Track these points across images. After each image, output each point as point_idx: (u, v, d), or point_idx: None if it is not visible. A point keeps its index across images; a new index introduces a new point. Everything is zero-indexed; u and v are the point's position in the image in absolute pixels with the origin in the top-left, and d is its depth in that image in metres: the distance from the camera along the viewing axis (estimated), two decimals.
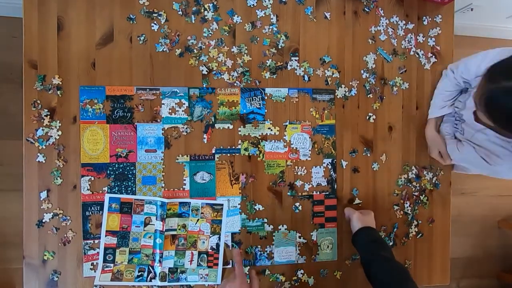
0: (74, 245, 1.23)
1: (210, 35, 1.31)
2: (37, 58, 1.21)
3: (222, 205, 1.30)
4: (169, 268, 1.26)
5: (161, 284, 1.25)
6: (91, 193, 1.24)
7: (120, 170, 1.25)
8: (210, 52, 1.31)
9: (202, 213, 1.28)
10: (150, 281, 1.24)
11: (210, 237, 1.28)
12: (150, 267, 1.25)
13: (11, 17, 1.99)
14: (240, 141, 1.33)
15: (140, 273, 1.24)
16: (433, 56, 1.47)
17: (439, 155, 1.42)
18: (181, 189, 1.29)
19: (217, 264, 1.28)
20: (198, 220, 1.28)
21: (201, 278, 1.27)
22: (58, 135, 1.22)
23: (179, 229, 1.27)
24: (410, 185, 1.46)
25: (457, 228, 2.56)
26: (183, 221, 1.27)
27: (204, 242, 1.28)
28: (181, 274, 1.26)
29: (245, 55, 1.33)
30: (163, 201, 1.26)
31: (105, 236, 1.23)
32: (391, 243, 1.44)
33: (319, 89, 1.38)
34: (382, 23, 1.43)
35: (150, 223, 1.25)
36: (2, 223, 2.04)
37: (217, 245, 1.29)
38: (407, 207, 1.45)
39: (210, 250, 1.28)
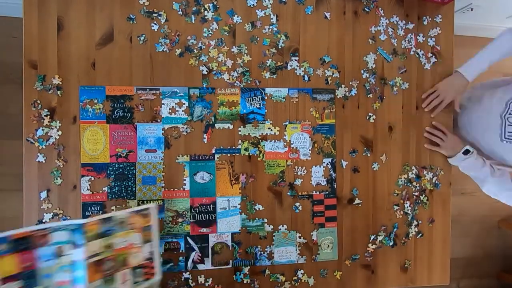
0: None
1: (210, 35, 1.31)
2: (37, 58, 1.21)
3: (148, 208, 1.13)
4: None
5: None
6: (91, 193, 1.24)
7: (120, 170, 1.25)
8: (210, 52, 1.31)
9: (130, 223, 1.10)
10: None
11: (142, 247, 1.11)
12: None
13: (11, 17, 1.99)
14: (240, 141, 1.33)
15: None
16: (433, 56, 1.47)
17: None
18: (181, 189, 1.29)
19: (153, 274, 1.12)
20: (126, 232, 1.09)
21: None
22: (58, 135, 1.22)
23: (104, 252, 1.04)
24: (410, 185, 1.46)
25: (457, 228, 2.56)
26: (107, 241, 1.05)
27: (136, 256, 1.10)
28: None
29: (245, 55, 1.33)
30: (78, 223, 1.02)
31: (2, 285, 0.96)
32: (391, 243, 1.44)
33: (319, 89, 1.38)
34: (382, 23, 1.43)
35: (64, 254, 1.01)
36: (2, 223, 2.04)
37: (151, 253, 1.13)
38: (407, 207, 1.45)
39: (145, 261, 1.12)
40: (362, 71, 1.41)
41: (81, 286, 1.00)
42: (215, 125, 1.31)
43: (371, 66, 1.42)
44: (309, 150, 1.37)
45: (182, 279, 1.29)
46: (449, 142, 1.42)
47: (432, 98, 1.42)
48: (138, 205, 1.26)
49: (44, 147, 1.21)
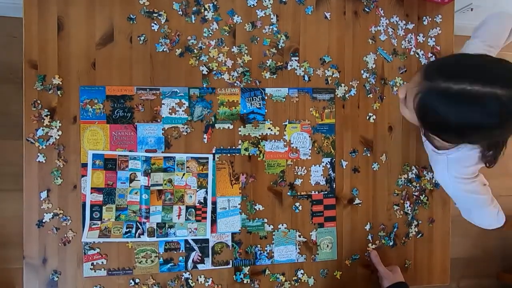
0: (74, 245, 1.23)
1: (210, 35, 1.31)
2: (37, 58, 1.21)
3: (207, 158, 1.29)
4: (157, 223, 1.26)
5: (150, 240, 1.25)
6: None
7: None
8: (210, 52, 1.31)
9: (187, 167, 1.27)
10: (139, 237, 1.24)
11: (197, 191, 1.28)
12: (138, 223, 1.25)
13: (11, 17, 1.99)
14: (240, 141, 1.33)
15: (128, 230, 1.24)
16: (433, 56, 1.47)
17: None
18: None
19: (205, 218, 1.28)
20: (184, 174, 1.27)
21: (190, 232, 1.27)
22: (58, 135, 1.22)
23: (165, 184, 1.26)
24: (410, 185, 1.46)
25: (457, 228, 2.56)
26: (168, 176, 1.26)
27: (191, 197, 1.27)
28: (169, 229, 1.26)
29: (245, 55, 1.33)
30: (147, 155, 1.25)
31: (91, 193, 1.22)
32: (391, 243, 1.44)
33: (319, 89, 1.38)
34: (382, 23, 1.43)
35: (136, 179, 1.24)
36: (2, 223, 2.04)
37: (205, 199, 1.28)
38: (407, 207, 1.45)
39: (198, 204, 1.28)
40: (362, 71, 1.41)
41: (144, 206, 1.24)
42: (215, 125, 1.31)
43: (371, 66, 1.42)
44: (309, 149, 1.37)
45: (182, 279, 1.29)
46: None
47: None
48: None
49: (44, 147, 1.21)
